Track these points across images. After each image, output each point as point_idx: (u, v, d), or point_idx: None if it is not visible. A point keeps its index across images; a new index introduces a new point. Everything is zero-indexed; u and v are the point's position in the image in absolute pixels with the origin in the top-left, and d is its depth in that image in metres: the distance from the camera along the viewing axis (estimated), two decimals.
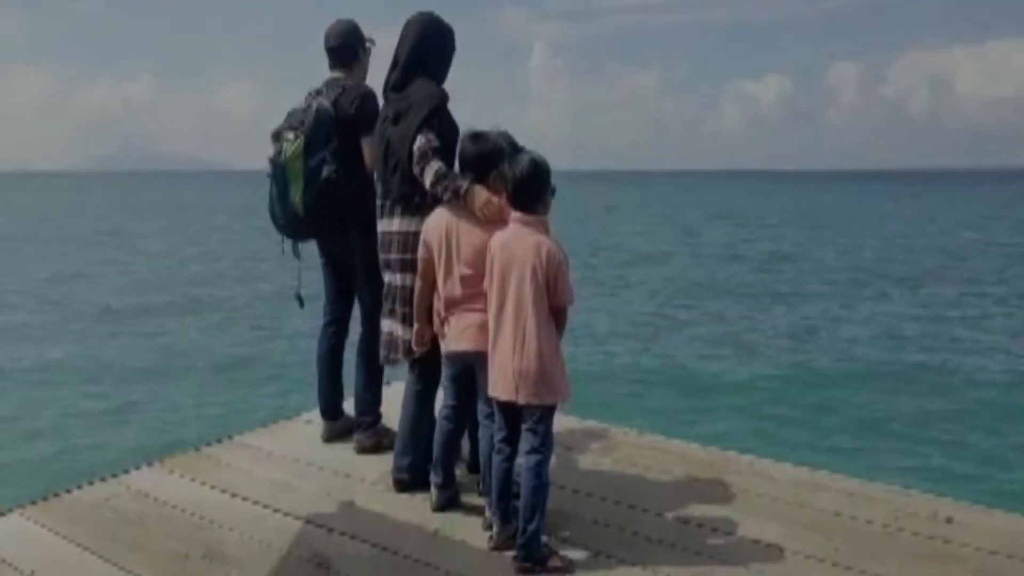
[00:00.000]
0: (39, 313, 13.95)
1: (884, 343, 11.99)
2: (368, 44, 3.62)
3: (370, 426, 3.61)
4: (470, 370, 2.91)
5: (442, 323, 2.95)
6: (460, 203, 2.84)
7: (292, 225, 3.43)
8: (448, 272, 2.89)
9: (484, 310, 2.79)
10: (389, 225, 3.15)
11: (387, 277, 3.19)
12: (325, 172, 3.29)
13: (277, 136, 3.40)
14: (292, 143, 3.32)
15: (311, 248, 3.68)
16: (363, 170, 3.37)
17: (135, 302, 15.21)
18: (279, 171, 3.35)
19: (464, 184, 2.83)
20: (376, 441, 3.59)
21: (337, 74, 3.54)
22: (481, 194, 2.81)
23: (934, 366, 10.61)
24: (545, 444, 2.67)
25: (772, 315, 14.34)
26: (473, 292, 2.83)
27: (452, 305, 2.89)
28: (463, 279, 2.85)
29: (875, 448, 7.32)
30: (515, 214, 2.69)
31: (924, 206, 55.83)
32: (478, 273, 2.80)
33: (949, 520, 2.92)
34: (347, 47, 3.53)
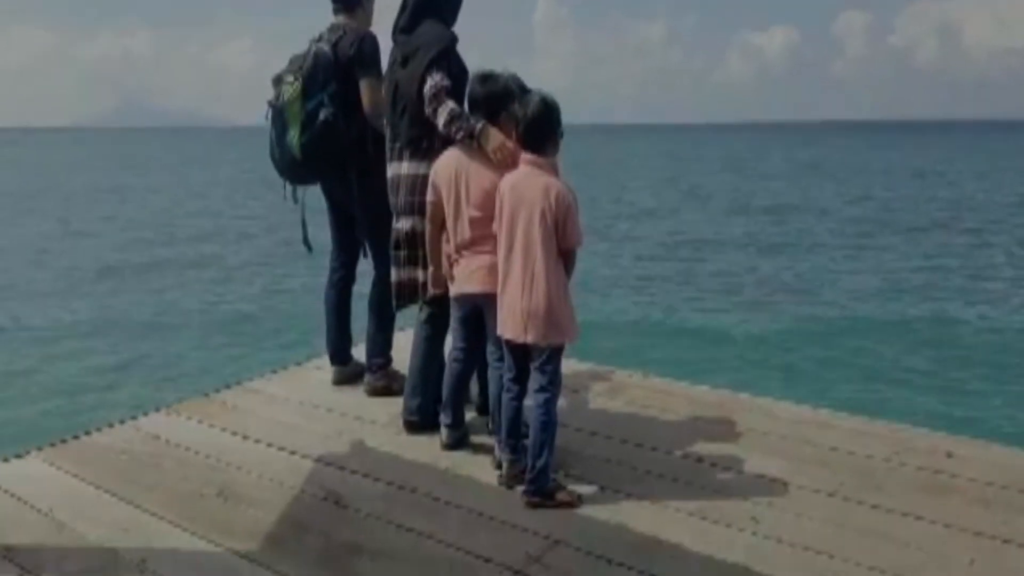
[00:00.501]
0: (41, 269, 13.96)
1: (889, 292, 11.98)
2: None
3: (380, 368, 3.64)
4: (479, 312, 2.92)
5: (451, 265, 2.95)
6: (472, 144, 2.82)
7: (291, 169, 3.43)
8: (457, 214, 2.88)
9: (493, 252, 2.79)
10: (398, 168, 3.13)
11: (395, 221, 3.19)
12: (322, 115, 3.29)
13: (278, 80, 3.41)
14: (291, 86, 3.33)
15: (318, 194, 3.67)
16: (362, 114, 3.35)
17: (138, 258, 15.21)
18: (277, 114, 3.37)
19: (478, 125, 2.81)
20: (386, 384, 3.63)
21: (340, 19, 3.48)
22: (496, 136, 2.79)
23: (938, 315, 10.61)
24: (553, 383, 2.70)
25: (776, 266, 14.29)
26: (482, 234, 2.83)
27: (461, 247, 2.89)
28: (472, 221, 2.84)
29: (879, 394, 7.41)
30: (525, 155, 2.67)
31: (931, 156, 55.21)
32: (487, 215, 2.80)
33: (949, 454, 2.97)
34: None
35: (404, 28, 3.13)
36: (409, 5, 3.13)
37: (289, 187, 3.56)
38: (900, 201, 25.31)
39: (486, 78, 2.87)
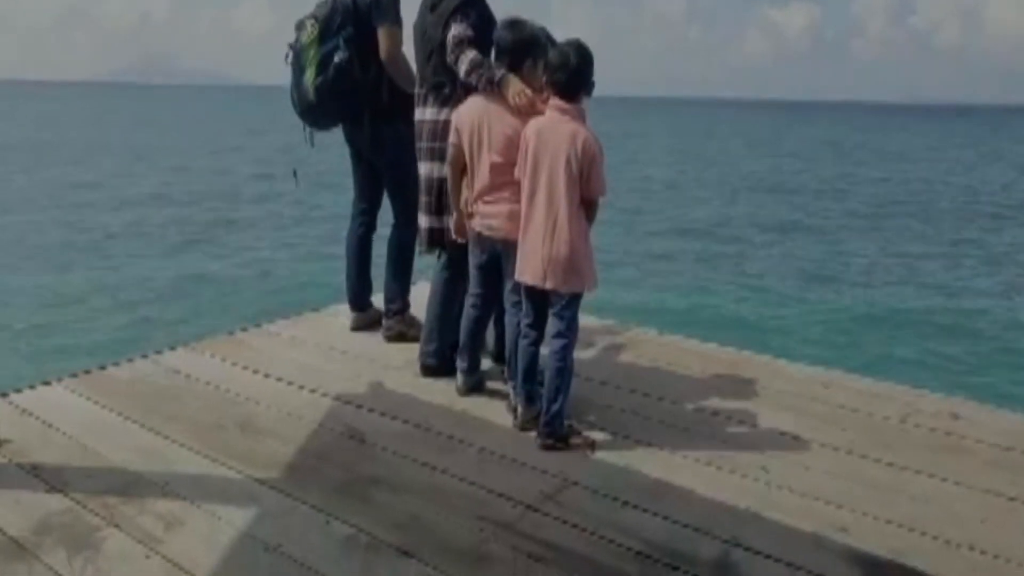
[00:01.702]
0: (61, 228, 13.96)
1: (906, 278, 11.85)
2: None
3: (396, 313, 3.68)
4: (497, 258, 2.94)
5: (471, 211, 2.97)
6: (494, 91, 2.82)
7: (307, 111, 3.47)
8: (479, 160, 2.89)
9: (513, 199, 2.81)
10: (422, 114, 3.15)
11: (420, 167, 3.20)
12: (336, 58, 3.33)
13: (300, 25, 3.44)
14: (308, 30, 3.38)
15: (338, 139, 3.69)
16: (379, 61, 3.37)
17: (156, 215, 15.26)
18: (296, 57, 3.42)
19: (498, 73, 2.80)
20: (402, 330, 3.67)
21: None
22: (515, 83, 2.78)
23: (953, 304, 10.48)
24: (571, 329, 2.73)
25: (796, 248, 14.15)
26: (503, 181, 2.84)
27: (482, 193, 2.90)
28: (493, 167, 2.85)
29: (891, 366, 7.42)
30: (554, 100, 2.66)
31: (952, 140, 54.19)
32: (508, 162, 2.80)
33: (957, 416, 3.00)
34: None
35: None
36: None
37: (308, 130, 3.58)
38: (920, 184, 24.99)
39: (513, 24, 2.85)
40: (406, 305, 3.71)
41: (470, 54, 2.86)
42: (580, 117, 2.68)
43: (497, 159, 2.84)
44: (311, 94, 3.39)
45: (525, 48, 2.82)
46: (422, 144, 3.16)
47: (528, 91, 2.76)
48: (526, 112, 2.76)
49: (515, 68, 2.82)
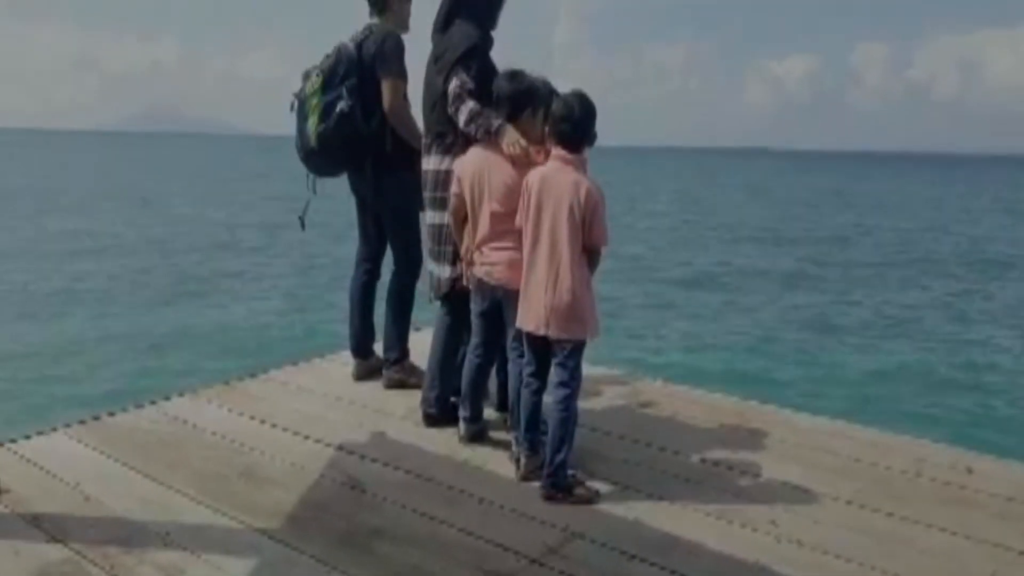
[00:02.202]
0: (62, 276, 13.96)
1: (910, 328, 11.74)
2: None
3: (395, 362, 3.70)
4: (498, 306, 2.96)
5: (471, 259, 3.00)
6: (492, 141, 2.88)
7: (309, 157, 3.55)
8: (479, 209, 2.93)
9: (513, 247, 2.84)
10: (427, 163, 3.20)
11: (426, 215, 3.25)
12: (339, 106, 3.40)
13: (306, 76, 3.54)
14: (313, 80, 3.47)
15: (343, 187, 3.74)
16: (382, 111, 3.44)
17: (158, 263, 15.34)
18: (300, 106, 3.51)
19: (496, 123, 2.86)
20: (402, 378, 3.68)
21: (373, 20, 3.58)
22: (511, 133, 2.84)
23: (958, 355, 10.35)
24: (574, 378, 2.72)
25: (800, 297, 14.06)
26: (503, 229, 2.88)
27: (483, 242, 2.94)
28: (493, 216, 2.89)
29: (901, 416, 7.34)
30: (556, 150, 2.71)
31: (955, 190, 54.44)
32: (508, 211, 2.84)
33: (969, 469, 2.96)
34: None
35: (438, 27, 3.20)
36: (444, 5, 3.20)
37: (311, 177, 3.65)
38: (921, 233, 25.04)
39: (512, 75, 2.91)
40: (404, 353, 3.71)
41: (469, 104, 2.93)
42: (582, 167, 2.72)
43: (497, 208, 2.88)
44: (313, 140, 3.46)
45: (523, 99, 2.87)
46: (427, 193, 3.21)
47: (523, 141, 2.81)
48: (521, 162, 2.81)
49: (514, 118, 2.87)
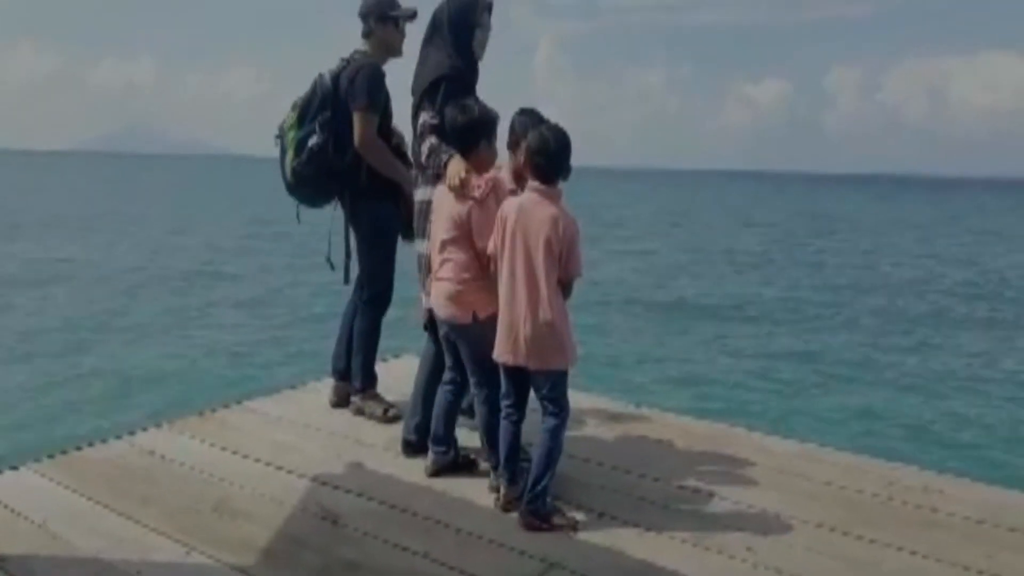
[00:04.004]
0: (30, 307, 13.63)
1: (885, 353, 11.72)
2: (393, 14, 3.53)
3: (358, 391, 3.69)
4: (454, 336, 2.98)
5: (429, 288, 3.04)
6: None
7: (290, 190, 3.58)
8: (434, 239, 2.98)
9: (448, 279, 2.89)
10: (416, 194, 3.24)
11: (416, 245, 3.28)
12: (311, 142, 3.43)
13: (293, 106, 3.56)
14: (291, 114, 3.51)
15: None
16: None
17: (134, 292, 15.06)
18: (280, 138, 3.54)
19: (445, 158, 2.91)
20: (359, 407, 3.67)
21: (360, 45, 3.59)
22: (453, 164, 2.86)
23: (931, 377, 10.42)
24: (563, 408, 2.76)
25: (775, 320, 14.03)
26: (443, 259, 2.92)
27: (435, 271, 2.99)
28: (441, 245, 2.93)
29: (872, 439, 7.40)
30: (533, 183, 2.75)
31: (937, 212, 54.55)
32: (450, 239, 2.88)
33: (936, 491, 3.01)
34: (363, 17, 3.58)
35: (420, 57, 3.22)
36: (426, 29, 3.20)
37: (298, 206, 3.66)
38: (889, 257, 25.04)
39: (463, 108, 2.90)
40: (367, 383, 3.70)
41: (429, 141, 3.00)
42: (557, 199, 2.76)
43: (443, 237, 2.92)
44: (289, 175, 3.50)
45: (474, 130, 2.88)
46: (415, 223, 3.24)
47: (462, 173, 2.81)
48: (459, 194, 2.84)
49: (467, 150, 2.88)
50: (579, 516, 2.73)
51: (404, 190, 3.42)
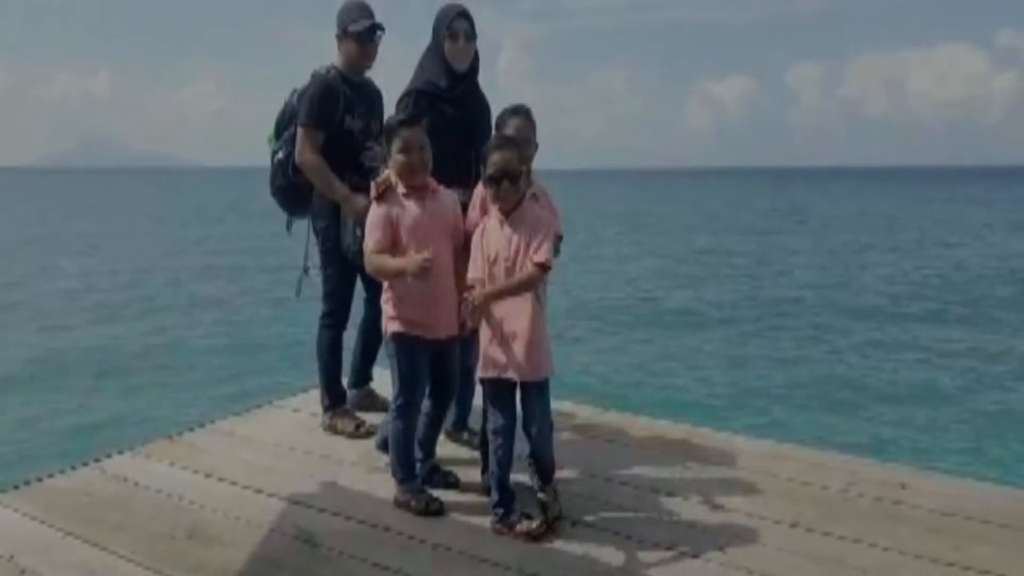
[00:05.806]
0: None
1: (849, 344, 11.92)
2: (351, 29, 3.46)
3: (326, 409, 3.71)
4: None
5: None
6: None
7: (275, 201, 3.69)
8: None
9: (386, 298, 2.93)
10: None
11: None
12: (279, 156, 3.56)
13: (276, 120, 3.66)
14: (269, 128, 3.62)
15: None
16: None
17: (101, 304, 14.80)
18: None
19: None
20: (329, 424, 3.68)
21: (331, 62, 3.60)
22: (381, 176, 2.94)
23: (899, 368, 10.56)
24: (549, 412, 2.86)
25: (743, 318, 14.05)
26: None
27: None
28: None
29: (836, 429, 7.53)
30: (493, 208, 2.80)
31: (906, 204, 54.85)
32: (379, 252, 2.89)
33: (902, 485, 3.10)
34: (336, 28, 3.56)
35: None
36: None
37: (288, 218, 3.79)
38: (857, 253, 25.04)
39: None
40: (333, 401, 3.70)
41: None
42: (539, 200, 2.87)
43: None
44: (270, 186, 3.65)
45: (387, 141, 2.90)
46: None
47: (379, 182, 2.88)
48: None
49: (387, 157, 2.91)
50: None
51: (343, 208, 3.41)
